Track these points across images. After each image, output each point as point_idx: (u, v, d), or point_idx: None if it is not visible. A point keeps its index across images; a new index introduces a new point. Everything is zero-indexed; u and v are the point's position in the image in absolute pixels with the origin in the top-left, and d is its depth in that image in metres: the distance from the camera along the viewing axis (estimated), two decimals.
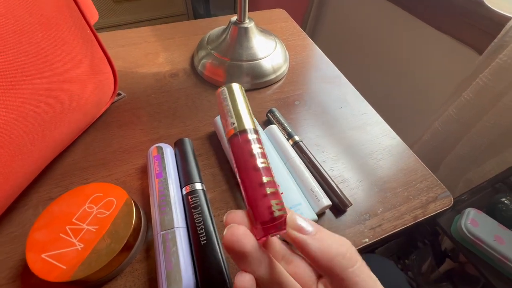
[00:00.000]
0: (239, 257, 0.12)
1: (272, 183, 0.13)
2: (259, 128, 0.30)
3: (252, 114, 0.15)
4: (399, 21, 0.76)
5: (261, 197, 0.13)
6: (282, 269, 0.14)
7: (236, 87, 0.16)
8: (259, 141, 0.14)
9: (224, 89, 0.15)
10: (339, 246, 0.12)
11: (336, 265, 0.12)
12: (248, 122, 0.15)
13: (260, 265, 0.12)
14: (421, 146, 0.67)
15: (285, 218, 0.13)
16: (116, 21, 1.13)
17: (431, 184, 0.28)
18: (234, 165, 0.14)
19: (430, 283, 0.63)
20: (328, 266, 0.12)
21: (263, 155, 0.14)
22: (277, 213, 0.13)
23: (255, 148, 0.14)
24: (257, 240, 0.13)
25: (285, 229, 0.13)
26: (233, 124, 0.15)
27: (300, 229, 0.13)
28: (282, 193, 0.14)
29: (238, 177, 0.14)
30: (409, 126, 0.81)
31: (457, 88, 0.58)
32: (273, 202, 0.13)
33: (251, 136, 0.14)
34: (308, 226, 0.13)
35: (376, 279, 0.13)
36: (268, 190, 0.13)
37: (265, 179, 0.13)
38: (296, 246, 0.13)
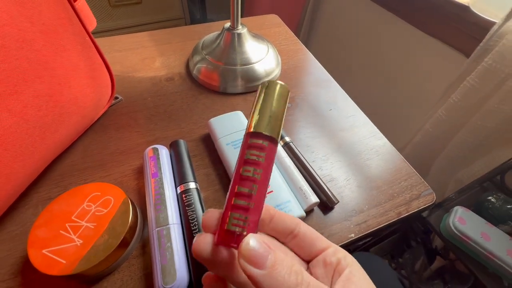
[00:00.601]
0: (205, 263, 0.13)
1: (248, 197, 0.12)
2: None
3: (279, 120, 0.14)
4: (390, 25, 0.78)
5: (227, 205, 0.13)
6: None
7: (276, 87, 0.14)
8: (262, 148, 0.13)
9: (263, 83, 0.14)
10: (288, 279, 0.12)
11: None
12: (261, 125, 0.13)
13: (226, 269, 0.13)
14: (413, 147, 0.68)
15: (241, 238, 0.12)
16: (113, 25, 1.14)
17: (415, 182, 0.30)
18: None
19: (423, 281, 0.64)
20: None
21: (257, 165, 0.13)
22: (229, 227, 0.12)
23: (250, 154, 0.13)
24: (216, 244, 0.13)
25: (236, 248, 0.12)
26: (248, 123, 0.14)
27: (254, 261, 0.12)
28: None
29: None
30: (401, 128, 0.83)
31: (446, 90, 0.60)
32: (233, 214, 0.12)
33: (254, 141, 0.13)
34: (263, 255, 0.12)
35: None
36: (236, 201, 0.12)
37: (239, 189, 0.12)
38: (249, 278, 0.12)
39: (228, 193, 0.13)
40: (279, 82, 0.14)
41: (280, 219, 0.16)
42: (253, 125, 0.13)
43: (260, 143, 0.13)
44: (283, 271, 0.12)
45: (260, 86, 0.14)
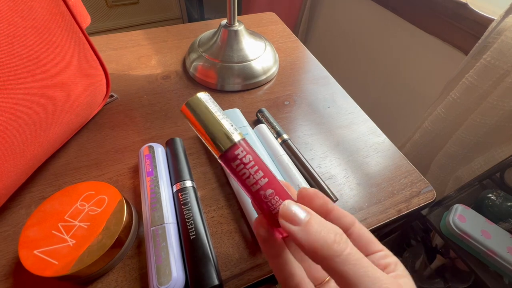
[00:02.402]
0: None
1: (263, 186, 0.15)
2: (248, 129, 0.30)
3: (220, 129, 0.15)
4: (388, 23, 0.78)
5: (260, 205, 0.15)
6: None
7: (192, 105, 0.16)
8: (237, 154, 0.15)
9: (183, 109, 0.16)
10: (326, 235, 0.12)
11: (323, 255, 0.12)
12: (220, 147, 0.15)
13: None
14: (412, 145, 0.68)
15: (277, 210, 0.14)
16: (110, 25, 1.14)
17: (415, 179, 0.29)
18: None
19: (424, 280, 0.64)
20: (316, 258, 0.12)
21: (245, 164, 0.15)
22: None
23: (235, 166, 0.15)
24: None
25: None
26: (211, 149, 0.16)
27: (292, 219, 0.13)
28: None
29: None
30: (400, 126, 0.83)
31: (444, 88, 0.59)
32: (265, 203, 0.15)
33: (228, 157, 0.15)
34: (301, 213, 0.13)
35: (371, 265, 0.12)
36: (260, 195, 0.15)
37: (254, 188, 0.15)
38: (289, 237, 0.13)
39: (252, 201, 0.16)
40: (190, 99, 0.16)
41: (337, 215, 0.15)
42: (215, 150, 0.15)
43: (234, 154, 0.15)
44: (319, 228, 0.12)
45: (183, 112, 0.16)
